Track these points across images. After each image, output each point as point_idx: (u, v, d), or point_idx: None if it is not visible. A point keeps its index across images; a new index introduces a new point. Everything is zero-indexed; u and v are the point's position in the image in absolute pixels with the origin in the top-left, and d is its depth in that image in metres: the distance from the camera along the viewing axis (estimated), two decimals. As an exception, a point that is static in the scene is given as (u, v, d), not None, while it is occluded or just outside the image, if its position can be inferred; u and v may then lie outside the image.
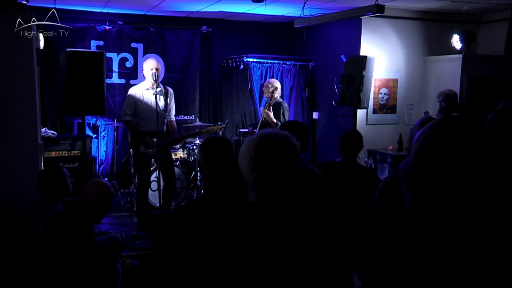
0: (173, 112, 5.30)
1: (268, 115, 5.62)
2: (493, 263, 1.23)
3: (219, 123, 6.58)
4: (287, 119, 5.78)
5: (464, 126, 1.29)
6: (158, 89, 4.95)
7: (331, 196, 3.12)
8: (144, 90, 5.01)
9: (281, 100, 5.98)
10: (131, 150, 5.84)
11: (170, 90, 5.21)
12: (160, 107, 4.98)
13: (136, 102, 4.98)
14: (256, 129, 5.88)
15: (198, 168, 6.26)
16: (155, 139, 4.94)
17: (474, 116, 1.34)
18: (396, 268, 1.33)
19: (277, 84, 5.91)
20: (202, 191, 6.22)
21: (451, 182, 1.28)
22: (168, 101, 5.11)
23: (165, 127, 5.09)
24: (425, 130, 1.34)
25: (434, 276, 1.26)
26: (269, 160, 1.47)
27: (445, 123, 1.32)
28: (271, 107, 5.70)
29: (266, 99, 5.96)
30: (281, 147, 1.49)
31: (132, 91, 5.04)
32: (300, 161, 1.55)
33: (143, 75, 5.10)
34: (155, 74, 4.88)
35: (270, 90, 5.79)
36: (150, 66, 4.95)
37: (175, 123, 5.35)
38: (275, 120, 5.60)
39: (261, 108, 5.76)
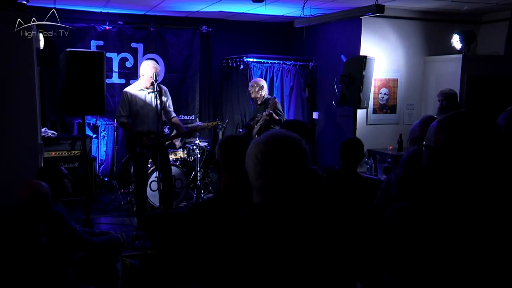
0: (172, 108, 5.30)
1: (271, 116, 5.62)
2: (483, 253, 1.24)
3: (217, 119, 6.58)
4: (282, 110, 5.94)
5: (473, 121, 1.29)
6: (150, 90, 4.95)
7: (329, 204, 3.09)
8: (138, 91, 5.00)
9: (268, 95, 6.07)
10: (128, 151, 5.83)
11: (165, 88, 5.20)
12: (158, 107, 4.96)
13: (131, 103, 4.97)
14: (253, 130, 5.88)
15: (204, 166, 6.26)
16: (152, 136, 4.93)
17: (480, 113, 1.36)
18: (389, 257, 1.35)
19: (262, 82, 5.99)
20: (202, 191, 6.23)
21: (452, 175, 1.29)
22: (164, 100, 5.10)
23: (160, 127, 5.06)
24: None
25: (424, 264, 1.27)
26: (276, 167, 1.43)
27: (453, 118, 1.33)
28: (269, 107, 5.70)
29: (253, 98, 6.04)
30: (290, 153, 1.44)
31: (125, 92, 5.02)
32: (308, 165, 1.50)
33: (140, 75, 5.07)
34: (155, 74, 4.89)
35: (256, 90, 5.88)
36: (151, 71, 4.90)
37: (177, 119, 5.37)
38: (277, 118, 5.66)
39: (264, 113, 5.65)
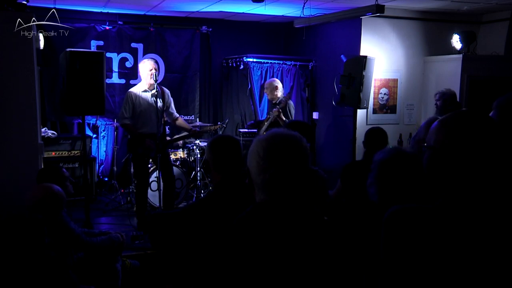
0: (174, 110, 5.34)
1: (280, 115, 5.62)
2: (483, 258, 1.23)
3: (219, 122, 6.58)
4: (293, 116, 5.87)
5: (471, 121, 1.29)
6: (154, 90, 4.96)
7: (356, 196, 3.04)
8: (142, 92, 5.00)
9: (284, 96, 5.99)
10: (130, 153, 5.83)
11: (166, 90, 5.22)
12: (159, 108, 4.98)
13: (134, 104, 4.97)
14: (261, 127, 5.87)
15: (204, 166, 6.26)
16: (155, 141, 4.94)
17: (481, 112, 1.37)
18: (385, 261, 1.35)
19: (276, 83, 5.92)
20: (202, 191, 6.23)
21: (451, 174, 1.29)
22: (166, 101, 5.13)
23: (162, 128, 5.08)
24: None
25: (422, 268, 1.27)
26: (278, 163, 1.44)
27: (452, 118, 1.33)
28: (280, 105, 5.69)
29: (270, 100, 6.01)
30: (291, 149, 1.46)
31: (129, 93, 5.01)
32: (309, 163, 1.52)
33: (141, 77, 5.08)
34: (155, 75, 4.88)
35: (270, 91, 5.85)
36: (148, 67, 4.93)
37: (182, 119, 5.44)
38: (284, 118, 5.65)
39: (274, 109, 5.68)
